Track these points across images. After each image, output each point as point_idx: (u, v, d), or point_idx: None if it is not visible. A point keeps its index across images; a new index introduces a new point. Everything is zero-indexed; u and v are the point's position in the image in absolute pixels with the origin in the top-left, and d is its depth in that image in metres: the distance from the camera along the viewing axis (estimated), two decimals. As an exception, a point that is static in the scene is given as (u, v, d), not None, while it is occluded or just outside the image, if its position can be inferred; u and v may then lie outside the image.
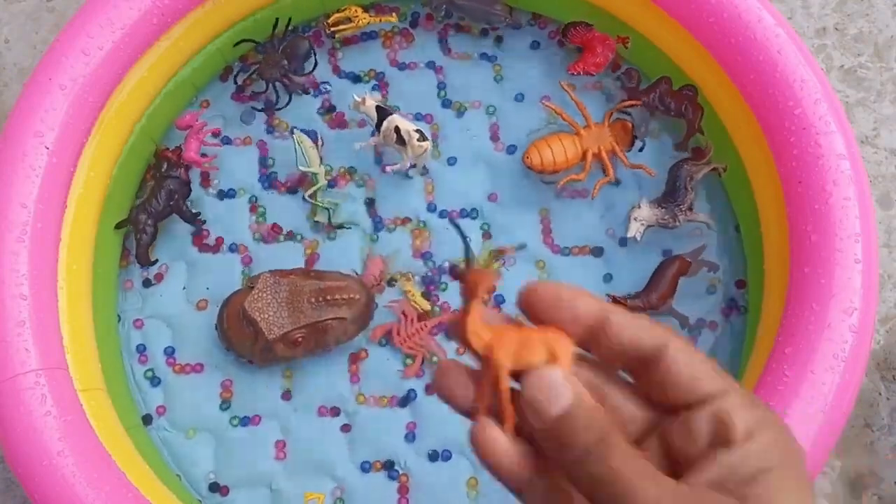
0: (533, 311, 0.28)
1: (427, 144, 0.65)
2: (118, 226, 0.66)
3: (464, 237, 0.28)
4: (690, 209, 0.65)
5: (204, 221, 0.69)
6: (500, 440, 0.27)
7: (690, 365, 0.27)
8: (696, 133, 0.67)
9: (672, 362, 0.27)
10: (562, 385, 0.26)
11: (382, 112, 0.66)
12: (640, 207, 0.65)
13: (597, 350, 0.28)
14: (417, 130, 0.65)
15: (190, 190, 0.68)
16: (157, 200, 0.66)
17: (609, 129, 0.68)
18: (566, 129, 0.68)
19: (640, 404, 0.28)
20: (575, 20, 0.69)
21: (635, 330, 0.27)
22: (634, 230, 0.65)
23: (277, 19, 0.69)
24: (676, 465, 0.27)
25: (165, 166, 0.67)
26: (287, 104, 0.71)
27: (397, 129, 0.65)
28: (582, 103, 0.67)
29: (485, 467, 0.28)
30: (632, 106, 0.68)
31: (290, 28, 0.70)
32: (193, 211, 0.68)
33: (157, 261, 0.68)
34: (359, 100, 0.67)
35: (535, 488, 0.27)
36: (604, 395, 0.28)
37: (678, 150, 0.69)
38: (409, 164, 0.67)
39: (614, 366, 0.28)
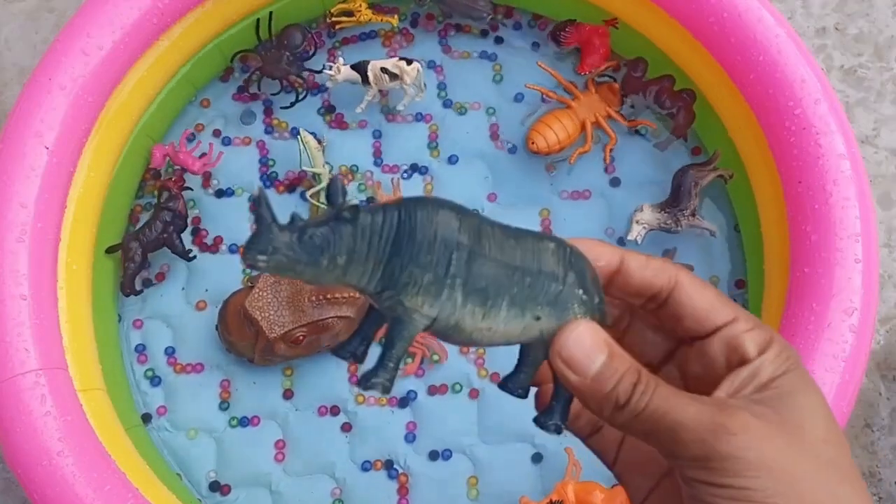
0: None
1: (417, 64, 0.67)
2: (108, 251, 0.65)
3: None
4: (693, 215, 0.65)
5: (195, 257, 0.68)
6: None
7: (700, 297, 0.29)
8: (680, 138, 0.68)
9: (684, 297, 0.29)
10: (595, 341, 0.28)
11: (360, 67, 0.67)
12: (642, 210, 0.65)
13: (616, 291, 0.30)
14: (401, 59, 0.67)
15: (186, 224, 0.66)
16: (150, 230, 0.65)
17: (597, 94, 0.69)
18: (558, 108, 0.69)
19: (658, 334, 0.31)
20: (558, 24, 0.70)
21: (649, 269, 0.30)
22: (636, 233, 0.65)
23: (258, 20, 0.69)
24: (693, 390, 0.29)
25: (165, 196, 0.66)
26: (304, 97, 0.71)
27: (384, 70, 0.66)
28: (561, 76, 0.69)
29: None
30: (608, 68, 0.69)
31: (272, 23, 0.70)
32: (187, 247, 0.67)
33: (141, 290, 0.67)
34: (332, 73, 0.67)
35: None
36: (626, 327, 0.32)
37: (658, 147, 0.70)
38: (413, 93, 0.69)
39: (633, 302, 0.31)
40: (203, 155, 0.69)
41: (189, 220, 0.69)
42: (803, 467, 0.26)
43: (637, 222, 0.65)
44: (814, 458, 0.27)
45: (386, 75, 0.66)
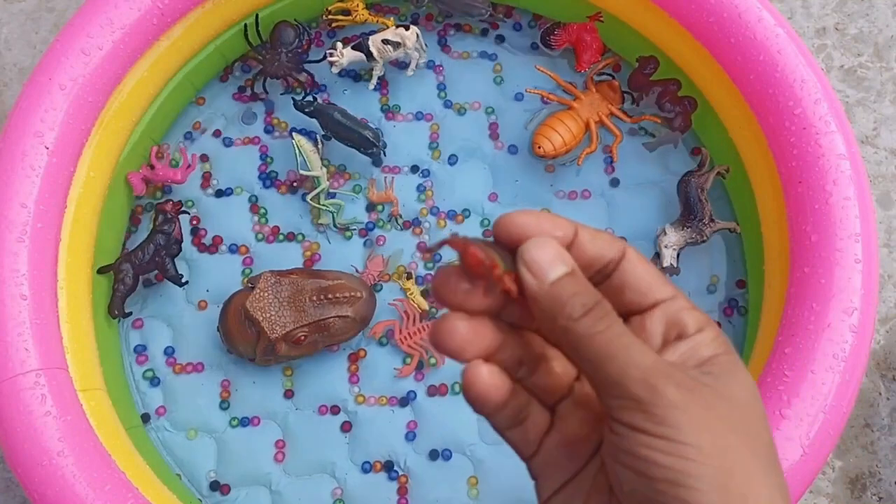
0: (510, 238, 0.30)
1: (414, 28, 0.68)
2: (100, 271, 0.64)
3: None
4: (712, 220, 0.64)
5: (186, 282, 0.67)
6: (484, 371, 0.30)
7: (644, 270, 0.31)
8: (670, 143, 0.68)
9: (629, 268, 0.30)
10: (559, 252, 0.29)
11: (362, 45, 0.68)
12: (665, 234, 0.64)
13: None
14: (397, 27, 0.68)
15: (180, 249, 0.66)
16: (143, 253, 0.64)
17: (598, 93, 0.69)
18: (560, 110, 0.69)
19: None
20: (546, 30, 0.70)
21: (599, 240, 0.30)
22: (669, 258, 0.63)
23: (246, 25, 0.69)
24: None
25: (160, 220, 0.65)
26: (309, 94, 0.71)
27: (386, 41, 0.67)
28: (560, 78, 0.69)
29: (469, 397, 0.30)
30: (606, 65, 0.69)
31: (258, 26, 0.70)
32: (179, 271, 0.66)
33: (130, 313, 0.66)
34: (336, 59, 0.68)
35: (506, 408, 0.31)
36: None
37: (646, 148, 0.70)
38: (417, 56, 0.69)
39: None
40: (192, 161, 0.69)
41: (189, 221, 0.69)
42: (739, 443, 0.27)
43: (666, 247, 0.63)
44: (750, 437, 0.27)
45: (389, 46, 0.67)
